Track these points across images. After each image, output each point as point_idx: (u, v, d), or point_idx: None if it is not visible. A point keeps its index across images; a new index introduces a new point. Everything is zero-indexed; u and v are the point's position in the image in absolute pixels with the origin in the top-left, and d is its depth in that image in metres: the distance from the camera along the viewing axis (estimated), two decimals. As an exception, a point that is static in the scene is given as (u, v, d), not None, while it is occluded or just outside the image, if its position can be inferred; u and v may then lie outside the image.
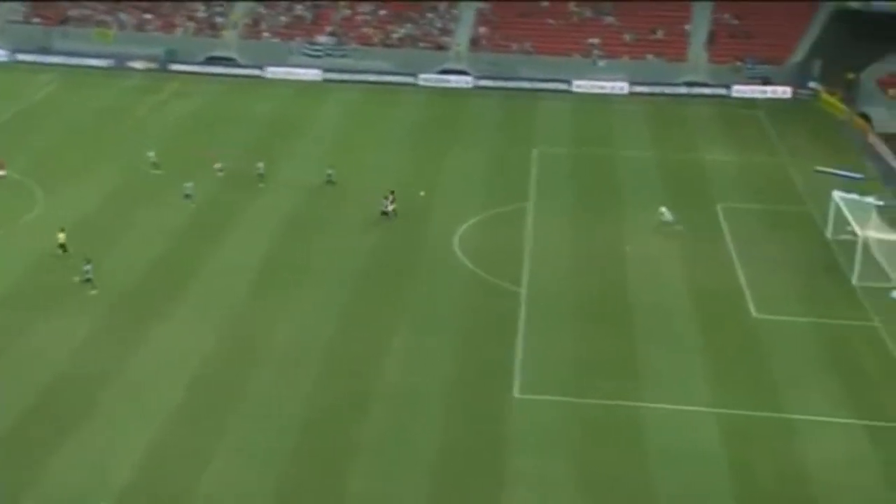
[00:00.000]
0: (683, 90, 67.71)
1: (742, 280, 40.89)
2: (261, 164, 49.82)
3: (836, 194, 44.94)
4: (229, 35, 70.54)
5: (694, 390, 33.30)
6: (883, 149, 56.69)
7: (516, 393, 32.82)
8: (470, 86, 67.21)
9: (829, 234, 44.90)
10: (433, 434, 30.86)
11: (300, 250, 42.57)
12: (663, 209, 45.69)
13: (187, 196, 46.83)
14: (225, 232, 43.66)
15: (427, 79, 67.85)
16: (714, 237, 45.03)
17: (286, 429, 30.87)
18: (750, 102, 65.22)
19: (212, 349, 34.82)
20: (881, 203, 46.69)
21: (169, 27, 71.05)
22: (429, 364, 34.37)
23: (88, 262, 38.43)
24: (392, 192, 45.63)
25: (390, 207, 45.08)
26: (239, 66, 68.50)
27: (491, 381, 33.60)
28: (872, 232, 41.46)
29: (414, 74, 67.86)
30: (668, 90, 67.21)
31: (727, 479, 29.29)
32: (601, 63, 68.77)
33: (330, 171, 49.41)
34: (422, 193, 45.73)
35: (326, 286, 39.48)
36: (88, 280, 38.17)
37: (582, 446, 30.67)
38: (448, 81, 67.27)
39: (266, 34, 70.77)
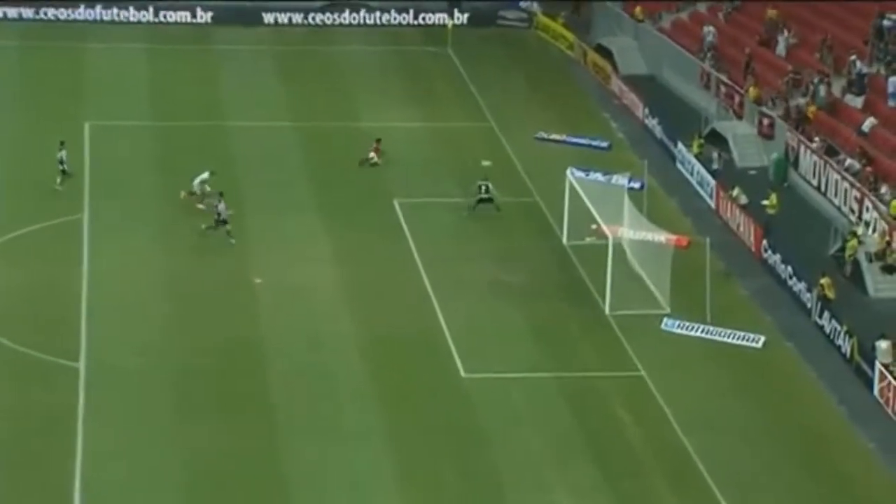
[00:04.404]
0: (329, 18, 69.43)
1: (441, 320, 42.12)
2: None
3: (572, 174, 47.47)
4: None
5: (379, 506, 33.51)
6: (631, 99, 60.89)
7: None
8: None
9: (565, 238, 47.37)
10: None
11: None
12: (204, 178, 47.78)
13: None
14: None
15: None
16: (393, 252, 46.24)
17: None
18: (434, 34, 67.79)
19: None
20: (636, 185, 49.97)
21: None
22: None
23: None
24: (378, 141, 53.08)
25: (375, 157, 52.74)
26: None
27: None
28: (626, 230, 43.96)
29: None
30: (306, 20, 68.80)
31: None
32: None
33: None
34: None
35: None
36: None
37: None
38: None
39: None
